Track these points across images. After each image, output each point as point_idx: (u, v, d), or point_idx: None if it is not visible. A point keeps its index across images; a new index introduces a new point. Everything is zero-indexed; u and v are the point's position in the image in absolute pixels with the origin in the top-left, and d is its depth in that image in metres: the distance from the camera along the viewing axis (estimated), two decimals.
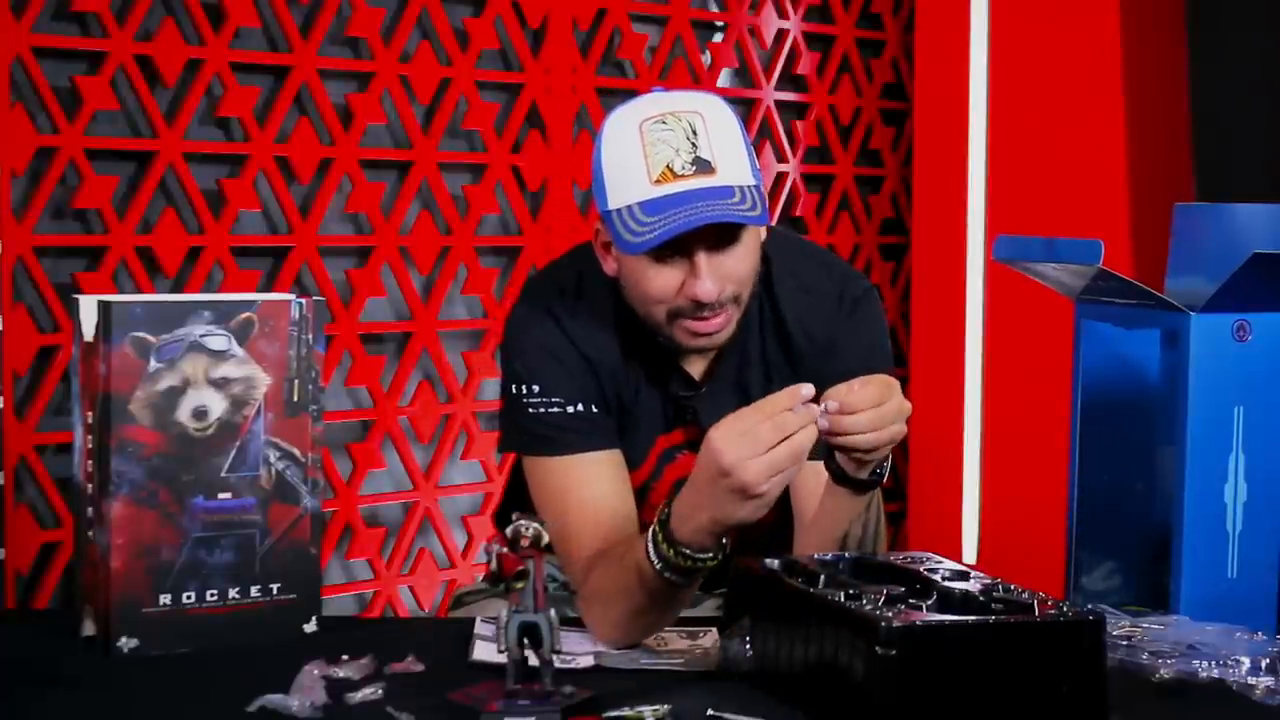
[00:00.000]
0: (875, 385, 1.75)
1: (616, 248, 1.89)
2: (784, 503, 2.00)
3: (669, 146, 1.85)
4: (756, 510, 1.71)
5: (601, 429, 1.97)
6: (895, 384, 1.77)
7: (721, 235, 1.86)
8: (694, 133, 1.86)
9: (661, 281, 1.88)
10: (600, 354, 1.98)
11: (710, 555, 1.77)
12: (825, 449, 1.81)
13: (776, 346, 2.01)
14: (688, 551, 1.76)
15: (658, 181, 1.84)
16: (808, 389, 1.70)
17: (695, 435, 2.01)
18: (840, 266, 2.12)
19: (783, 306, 2.01)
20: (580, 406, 1.96)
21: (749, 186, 1.86)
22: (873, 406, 1.73)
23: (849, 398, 1.73)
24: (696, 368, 2.01)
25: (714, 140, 1.86)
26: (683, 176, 1.84)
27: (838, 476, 1.83)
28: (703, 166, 1.85)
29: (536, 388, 1.97)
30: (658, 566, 1.78)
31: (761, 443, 1.67)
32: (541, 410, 1.96)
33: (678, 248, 1.85)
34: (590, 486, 1.94)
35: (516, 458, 2.12)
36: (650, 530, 1.79)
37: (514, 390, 1.98)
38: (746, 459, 1.67)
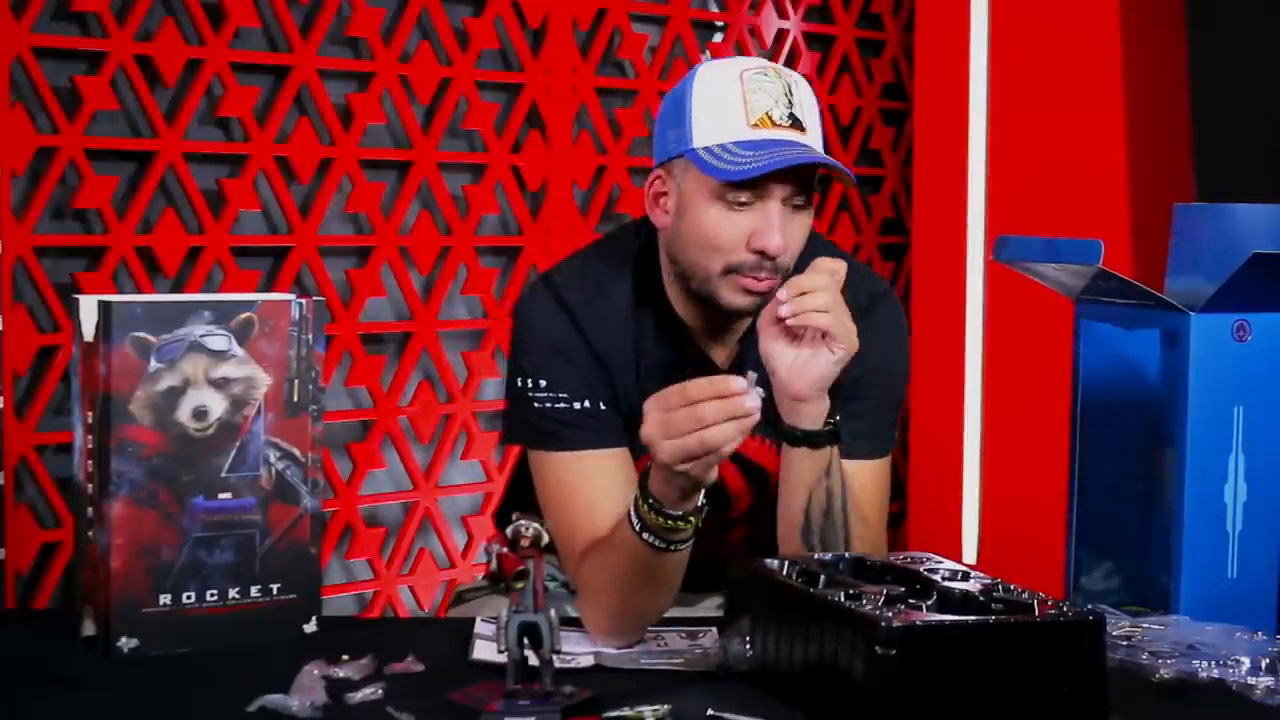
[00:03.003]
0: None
1: (709, 179, 1.87)
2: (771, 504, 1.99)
3: (768, 95, 1.89)
4: (690, 482, 1.72)
5: (608, 427, 1.96)
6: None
7: (798, 195, 1.89)
8: (790, 92, 1.90)
9: (730, 228, 1.88)
10: (612, 347, 1.97)
11: (681, 515, 1.76)
12: (772, 418, 1.84)
13: None
14: (660, 506, 1.76)
15: (755, 125, 1.87)
16: (740, 381, 1.68)
17: None
18: (859, 264, 2.13)
19: None
20: (587, 404, 1.96)
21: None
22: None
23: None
24: (720, 354, 2.00)
25: (805, 106, 1.91)
26: (779, 126, 1.88)
27: (790, 438, 1.86)
28: (796, 123, 1.89)
29: (544, 383, 1.96)
30: (636, 528, 1.78)
31: (674, 429, 1.68)
32: (548, 405, 1.95)
33: (756, 194, 1.87)
34: (594, 484, 1.93)
35: (519, 456, 2.12)
36: (630, 511, 1.80)
37: (519, 384, 1.98)
38: (659, 439, 1.70)
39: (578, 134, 3.55)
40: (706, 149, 1.87)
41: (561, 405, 1.95)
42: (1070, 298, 2.10)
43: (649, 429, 1.70)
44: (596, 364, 1.97)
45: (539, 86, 3.47)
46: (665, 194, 1.94)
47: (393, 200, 3.29)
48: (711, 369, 1.99)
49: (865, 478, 1.97)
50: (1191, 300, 1.94)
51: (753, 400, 1.67)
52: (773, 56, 3.95)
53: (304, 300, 1.91)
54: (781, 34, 3.99)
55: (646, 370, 1.98)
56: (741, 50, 3.88)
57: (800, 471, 1.87)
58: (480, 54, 3.39)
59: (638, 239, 2.03)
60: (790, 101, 1.89)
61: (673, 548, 1.79)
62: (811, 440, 1.85)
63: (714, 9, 3.90)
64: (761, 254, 1.87)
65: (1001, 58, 3.89)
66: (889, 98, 4.23)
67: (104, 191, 2.87)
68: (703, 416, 1.67)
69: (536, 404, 1.96)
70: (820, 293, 1.81)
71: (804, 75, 3.99)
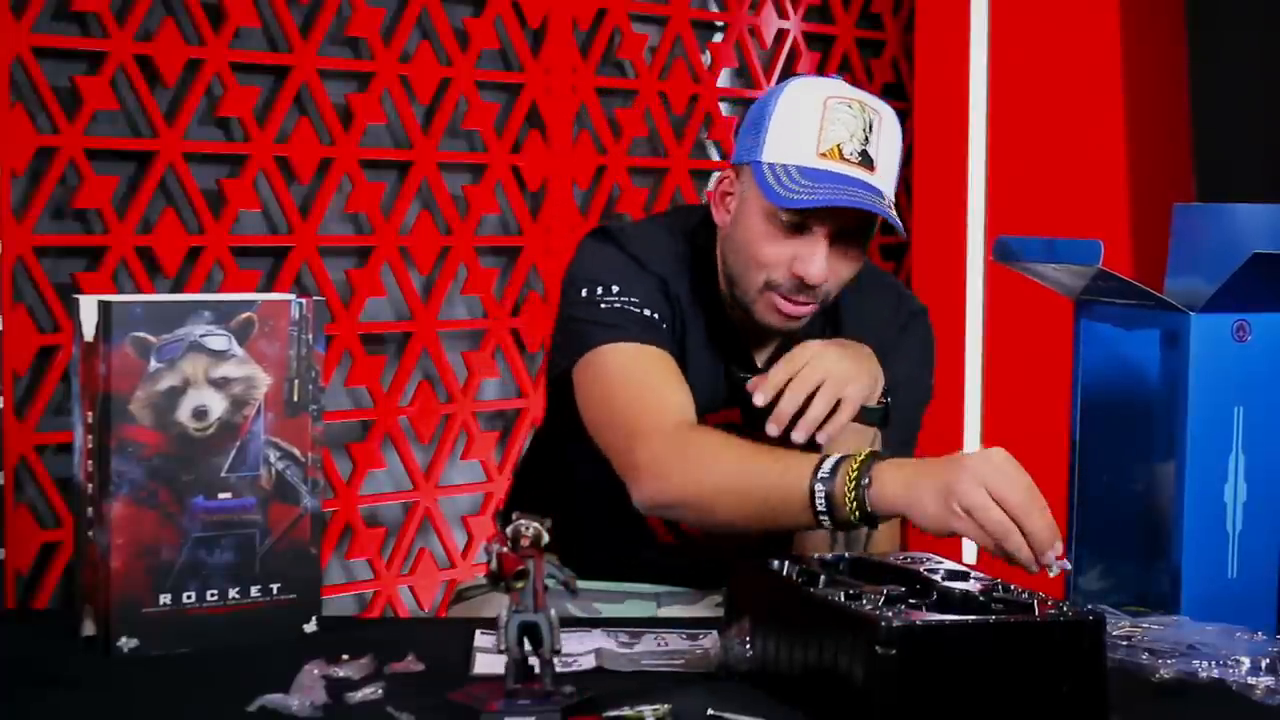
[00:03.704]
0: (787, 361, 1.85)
1: (764, 198, 1.89)
2: None
3: (845, 129, 1.90)
4: (923, 521, 1.73)
5: (671, 345, 1.97)
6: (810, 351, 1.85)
7: (850, 232, 1.90)
8: (869, 128, 1.91)
9: (776, 249, 1.91)
10: (673, 281, 2.00)
11: (865, 520, 1.76)
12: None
13: None
14: (864, 496, 1.74)
15: (823, 155, 1.89)
16: (1063, 562, 1.71)
17: (738, 420, 2.02)
18: (898, 284, 2.20)
19: (842, 309, 2.05)
20: (656, 315, 1.96)
21: (892, 200, 1.92)
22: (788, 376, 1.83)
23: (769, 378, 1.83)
24: (761, 355, 2.02)
25: (882, 144, 1.92)
26: (847, 161, 1.89)
27: None
28: (866, 161, 1.90)
29: (615, 288, 1.97)
30: (818, 477, 1.76)
31: (1006, 495, 1.68)
32: (616, 306, 1.96)
33: (808, 224, 1.88)
34: (668, 374, 1.93)
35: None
36: (826, 459, 1.78)
37: (584, 295, 1.97)
38: (979, 486, 1.69)
39: (578, 134, 3.55)
40: (770, 166, 1.89)
41: (632, 309, 1.95)
42: (1070, 298, 2.10)
43: (980, 475, 1.69)
44: (664, 291, 1.98)
45: (539, 86, 3.47)
46: (730, 194, 1.98)
47: (393, 200, 3.29)
48: (747, 358, 2.03)
49: None
50: (1191, 300, 1.94)
51: (1053, 568, 1.71)
52: (773, 57, 3.96)
53: (304, 300, 1.91)
54: (781, 34, 3.99)
55: (697, 347, 2.01)
56: (741, 50, 3.88)
57: (844, 446, 1.87)
58: (480, 54, 3.39)
59: (697, 217, 2.06)
60: (867, 138, 1.90)
61: (819, 520, 1.79)
62: (865, 415, 1.88)
63: (714, 9, 3.90)
64: (801, 280, 1.89)
65: (1001, 58, 3.89)
66: (889, 98, 4.19)
67: (104, 191, 2.87)
68: (1028, 519, 1.68)
69: (604, 305, 1.96)
70: (811, 411, 1.83)
71: (803, 73, 4.00)
